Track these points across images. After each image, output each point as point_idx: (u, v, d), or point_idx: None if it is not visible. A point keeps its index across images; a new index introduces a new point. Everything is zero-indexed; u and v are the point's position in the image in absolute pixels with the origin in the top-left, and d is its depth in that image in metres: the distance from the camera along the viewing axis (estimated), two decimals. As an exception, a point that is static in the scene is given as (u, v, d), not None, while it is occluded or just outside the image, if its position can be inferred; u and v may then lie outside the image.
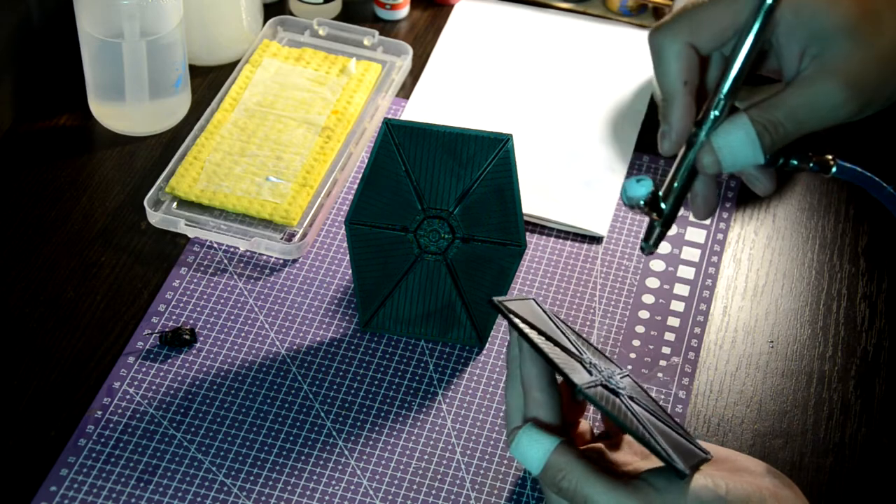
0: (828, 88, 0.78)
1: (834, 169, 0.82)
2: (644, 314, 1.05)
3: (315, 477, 0.93)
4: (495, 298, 0.83)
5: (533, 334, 0.82)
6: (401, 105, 1.21)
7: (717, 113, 0.81)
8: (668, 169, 1.16)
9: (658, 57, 0.81)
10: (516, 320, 0.82)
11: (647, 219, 0.84)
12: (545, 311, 0.89)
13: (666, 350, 1.02)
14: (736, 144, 0.80)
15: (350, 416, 0.96)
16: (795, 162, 0.82)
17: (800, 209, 1.14)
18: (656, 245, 0.85)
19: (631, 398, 0.84)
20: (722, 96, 0.80)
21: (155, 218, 1.08)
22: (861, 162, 0.86)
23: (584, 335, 1.00)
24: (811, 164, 0.82)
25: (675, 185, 0.83)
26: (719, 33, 0.80)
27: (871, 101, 0.79)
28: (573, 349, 0.86)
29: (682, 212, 1.12)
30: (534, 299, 0.90)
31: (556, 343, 0.84)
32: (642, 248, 0.86)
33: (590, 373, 0.83)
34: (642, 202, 0.82)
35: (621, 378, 0.87)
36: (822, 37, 0.78)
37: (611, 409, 0.79)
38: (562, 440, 0.80)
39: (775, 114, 0.79)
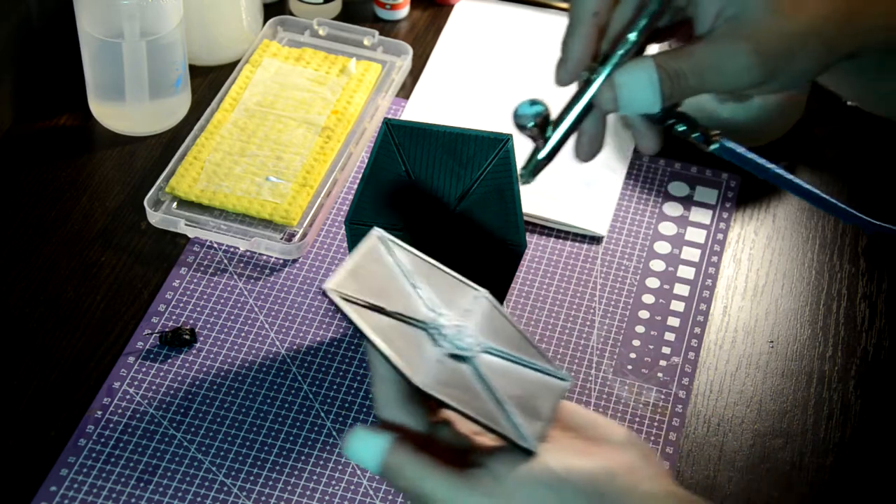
0: (736, 50, 0.79)
1: (716, 146, 0.83)
2: (644, 314, 1.05)
3: (315, 477, 0.93)
4: (326, 286, 0.76)
5: (368, 325, 0.77)
6: (401, 105, 1.21)
7: (622, 52, 0.81)
8: (667, 169, 1.16)
9: None
10: (350, 313, 0.77)
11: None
12: (390, 251, 0.82)
13: (666, 350, 1.02)
14: (636, 85, 0.80)
15: (350, 416, 0.96)
16: (683, 127, 0.82)
17: (800, 209, 1.14)
18: (534, 175, 0.85)
19: (486, 351, 0.79)
20: (631, 36, 0.81)
21: (155, 218, 1.08)
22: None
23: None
24: (696, 134, 0.83)
25: (566, 117, 0.83)
26: None
27: (777, 74, 0.79)
28: (420, 309, 0.81)
29: (683, 212, 1.12)
30: (377, 234, 0.81)
31: (399, 316, 0.80)
32: (521, 176, 0.86)
33: (435, 341, 0.79)
34: (531, 123, 0.82)
35: (474, 323, 0.81)
36: (740, 0, 0.79)
37: (447, 399, 0.75)
38: (395, 437, 0.75)
39: (681, 64, 0.80)
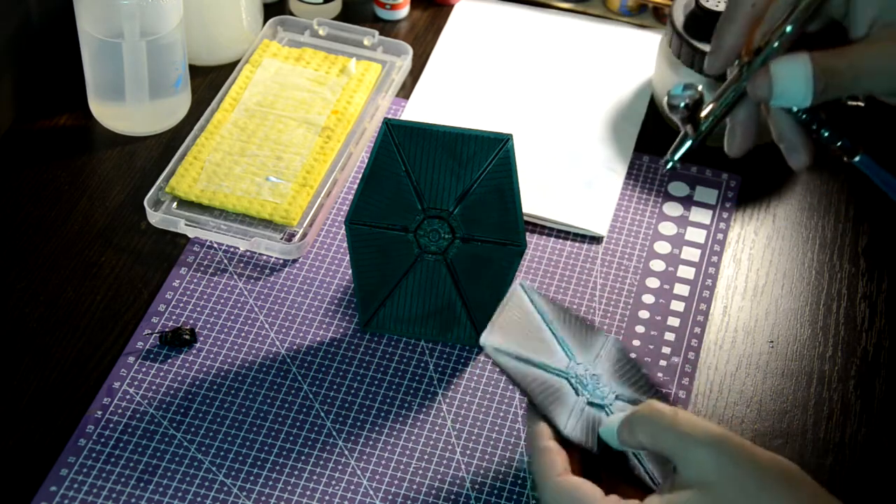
0: (893, 52, 0.80)
1: (859, 157, 0.84)
2: (644, 314, 1.05)
3: (315, 477, 0.93)
4: (483, 341, 0.82)
5: (524, 377, 0.81)
6: (401, 105, 1.21)
7: (777, 44, 0.82)
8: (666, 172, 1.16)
9: None
10: (507, 366, 0.81)
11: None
12: (532, 301, 0.87)
13: (666, 350, 1.02)
14: (791, 76, 0.81)
15: (350, 416, 0.96)
16: (827, 133, 0.84)
17: (800, 209, 1.14)
18: (681, 161, 0.86)
19: (617, 396, 0.84)
20: (787, 30, 0.82)
21: (155, 218, 1.08)
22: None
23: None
24: (841, 142, 0.84)
25: (718, 104, 0.84)
26: None
27: None
28: (562, 358, 0.84)
29: (683, 212, 1.12)
30: (521, 285, 0.87)
31: (544, 366, 0.83)
32: (667, 162, 0.86)
33: (576, 391, 0.82)
34: (683, 104, 0.83)
35: (605, 370, 0.86)
36: None
37: (592, 446, 0.80)
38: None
39: (836, 61, 0.81)
